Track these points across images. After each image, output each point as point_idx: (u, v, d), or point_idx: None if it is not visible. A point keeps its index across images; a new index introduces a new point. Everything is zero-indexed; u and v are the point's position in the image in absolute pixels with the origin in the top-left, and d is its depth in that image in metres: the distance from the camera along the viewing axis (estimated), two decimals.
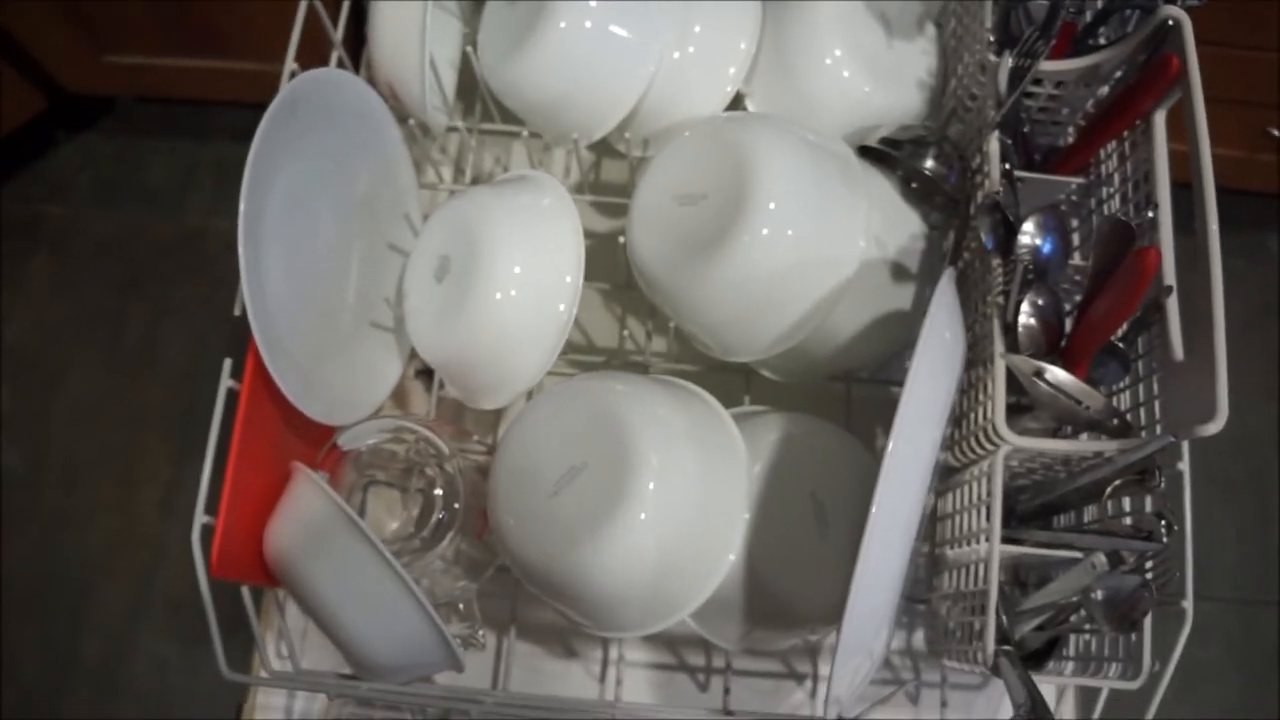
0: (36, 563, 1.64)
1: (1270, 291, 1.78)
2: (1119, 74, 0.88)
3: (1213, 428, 0.69)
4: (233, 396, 0.82)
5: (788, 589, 0.85)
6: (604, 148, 1.08)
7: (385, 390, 0.99)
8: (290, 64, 0.90)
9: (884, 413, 1.00)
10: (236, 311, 0.80)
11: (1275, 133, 1.45)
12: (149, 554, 1.67)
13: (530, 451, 0.85)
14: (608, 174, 1.16)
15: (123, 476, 1.71)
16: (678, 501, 0.80)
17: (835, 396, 1.02)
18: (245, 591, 0.85)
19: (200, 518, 0.78)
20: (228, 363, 0.82)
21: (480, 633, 0.93)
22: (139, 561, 1.66)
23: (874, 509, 0.68)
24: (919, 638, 1.01)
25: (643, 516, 0.78)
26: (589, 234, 0.93)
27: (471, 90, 1.09)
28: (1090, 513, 0.89)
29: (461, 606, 0.92)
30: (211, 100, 1.69)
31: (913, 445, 0.73)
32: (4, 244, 1.83)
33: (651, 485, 0.79)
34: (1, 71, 1.57)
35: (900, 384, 0.71)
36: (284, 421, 0.87)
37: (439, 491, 0.89)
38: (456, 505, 0.88)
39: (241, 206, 0.78)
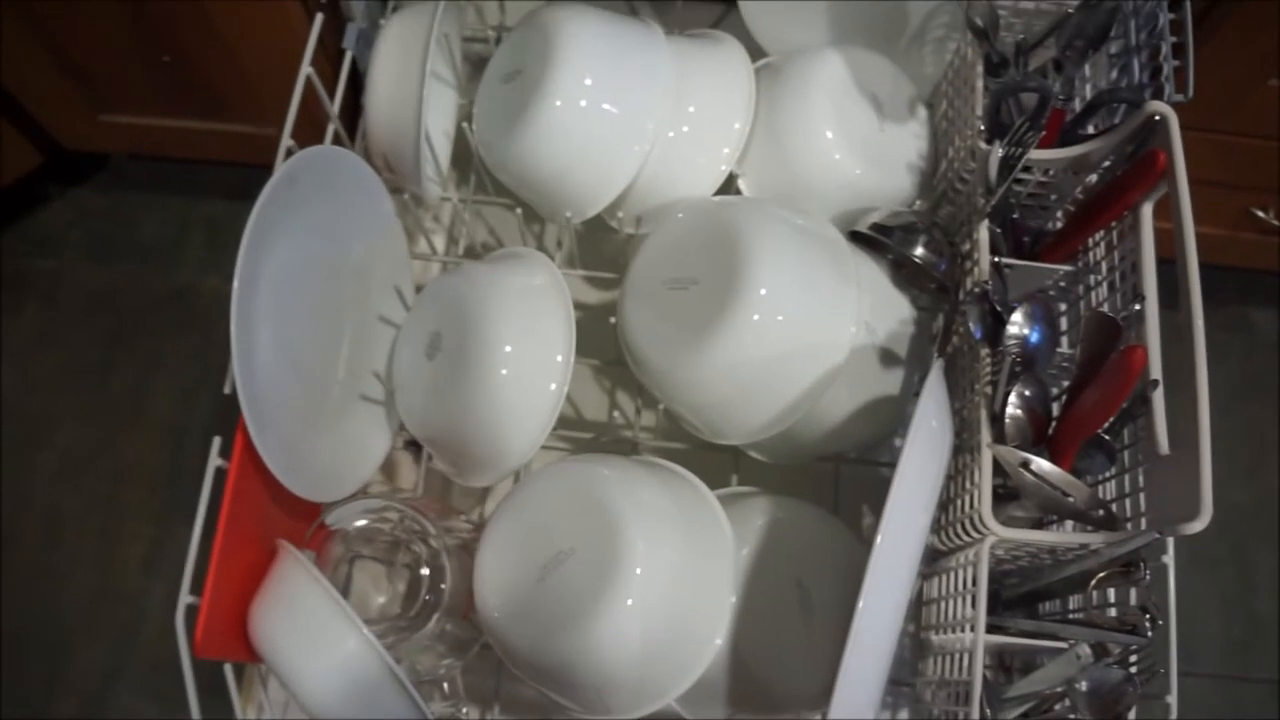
0: (14, 618, 1.63)
1: (1252, 364, 1.80)
2: (1108, 163, 0.89)
3: (1196, 526, 0.69)
4: (221, 474, 0.82)
5: (772, 674, 0.85)
6: (597, 221, 1.09)
7: (373, 465, 0.99)
8: (287, 140, 0.90)
9: (873, 492, 1.01)
10: (226, 389, 0.80)
11: (1261, 214, 1.46)
12: (129, 612, 1.65)
13: (517, 536, 0.85)
14: (601, 247, 1.16)
15: (106, 532, 1.70)
16: (664, 587, 0.80)
17: (824, 476, 1.02)
18: (228, 669, 0.84)
19: (185, 598, 0.78)
20: (216, 441, 0.81)
21: (464, 710, 0.92)
22: (119, 619, 1.65)
23: (861, 603, 0.68)
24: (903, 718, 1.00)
25: (629, 602, 0.78)
26: (580, 308, 0.94)
27: (466, 161, 1.10)
28: (1076, 601, 0.89)
29: (445, 685, 0.92)
30: (205, 159, 1.70)
31: (900, 538, 0.73)
32: None
33: (638, 570, 0.78)
34: (1, 128, 1.57)
35: (890, 464, 0.72)
36: (271, 498, 0.87)
37: (425, 572, 0.89)
38: (443, 586, 0.88)
39: (235, 285, 0.78)
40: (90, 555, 1.69)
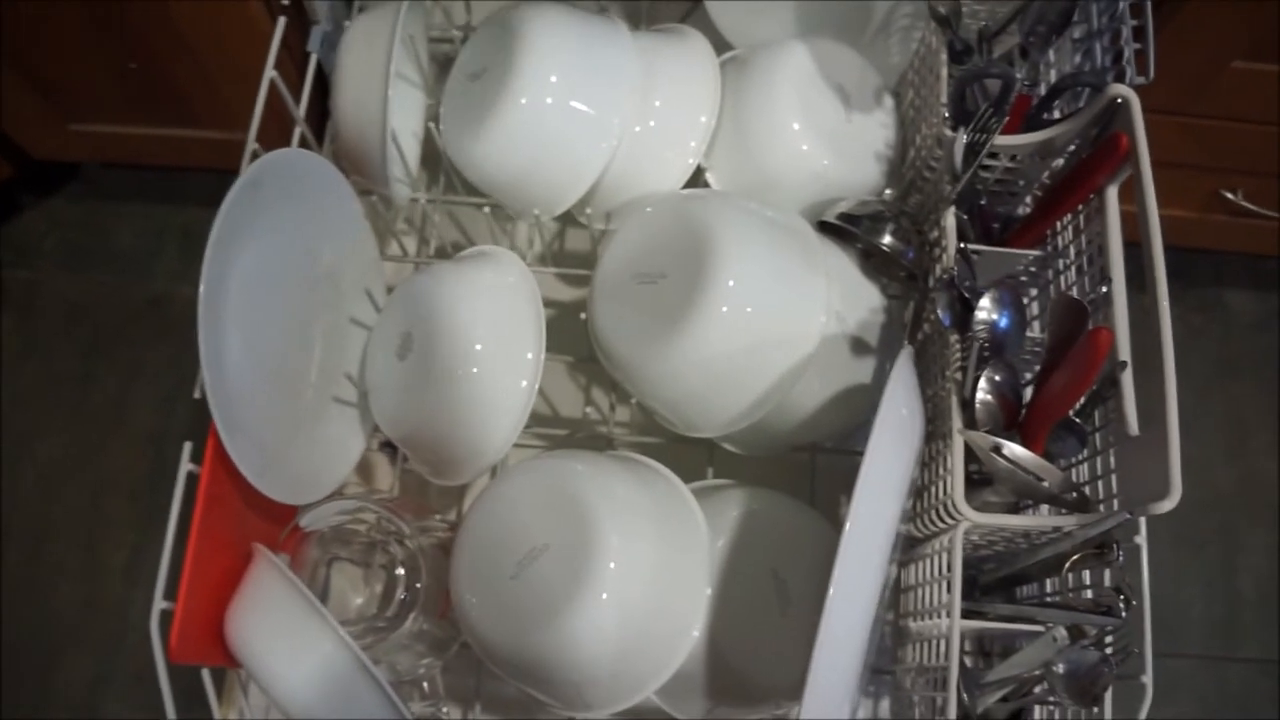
0: (1, 630, 1.62)
1: (1229, 346, 1.80)
2: (1073, 147, 0.90)
3: (1166, 505, 0.69)
4: (193, 479, 0.82)
5: (751, 665, 0.85)
6: (567, 218, 1.09)
7: (347, 467, 0.99)
8: (252, 143, 0.90)
9: (849, 482, 0.99)
10: (196, 394, 0.80)
11: (1230, 195, 1.47)
12: (114, 621, 1.65)
13: (492, 533, 0.85)
14: (571, 244, 1.17)
15: (88, 542, 1.69)
16: (639, 580, 0.80)
17: (800, 467, 1.02)
18: (206, 674, 0.84)
19: (159, 603, 0.78)
20: (187, 446, 0.81)
21: (444, 710, 0.92)
22: (103, 629, 1.64)
23: (832, 590, 0.68)
24: (885, 707, 1.00)
25: (604, 596, 0.78)
26: (553, 305, 0.94)
27: (435, 161, 1.09)
28: (1053, 584, 0.89)
29: (425, 685, 0.92)
30: (178, 166, 1.69)
31: (871, 523, 0.73)
32: None
33: (612, 565, 0.79)
34: None
35: (863, 453, 0.72)
36: (245, 502, 0.86)
37: (400, 571, 0.89)
38: (419, 585, 0.88)
39: (201, 290, 0.78)
40: (74, 566, 1.69)
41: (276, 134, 0.93)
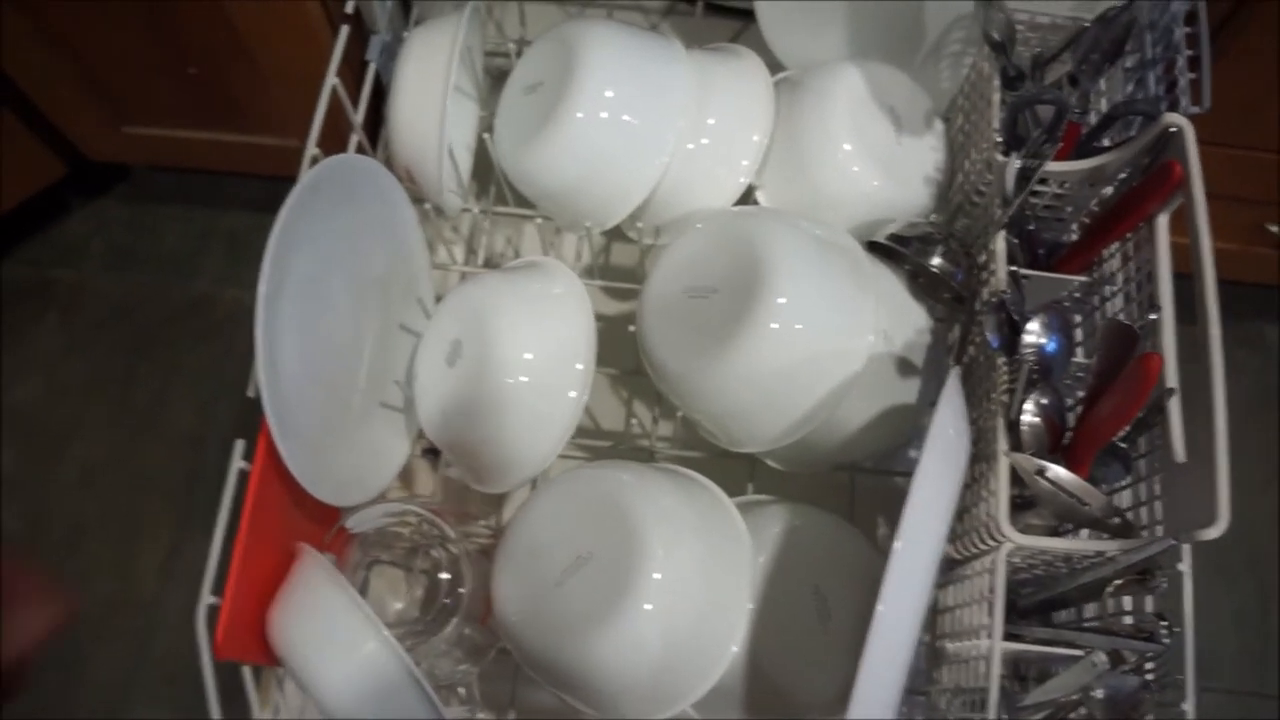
0: None
1: (1268, 379, 1.80)
2: (1123, 175, 0.90)
3: (1213, 533, 0.70)
4: (243, 476, 0.83)
5: (789, 681, 0.85)
6: (616, 232, 1.10)
7: (392, 471, 1.00)
8: (312, 148, 0.92)
9: (888, 503, 1.01)
10: (250, 393, 0.81)
11: (1274, 229, 1.47)
12: (146, 620, 1.66)
13: (536, 540, 0.86)
14: (618, 258, 1.18)
15: (124, 541, 1.71)
16: (682, 592, 0.81)
17: (839, 486, 1.03)
18: (246, 671, 0.85)
19: (206, 598, 0.79)
20: (239, 444, 0.82)
21: (480, 716, 0.93)
22: (136, 628, 1.66)
23: (880, 607, 0.68)
24: None
25: (648, 607, 0.79)
26: (598, 318, 0.94)
27: (486, 172, 1.10)
28: (1092, 609, 0.89)
29: (462, 690, 0.92)
30: (227, 171, 1.71)
31: (919, 544, 0.73)
32: (15, 307, 1.84)
33: (657, 576, 0.79)
34: (26, 140, 1.59)
35: (905, 474, 0.72)
36: (292, 501, 0.87)
37: (445, 576, 0.89)
38: (461, 590, 0.89)
39: (261, 289, 0.79)
40: (108, 563, 1.70)
41: (331, 141, 0.94)
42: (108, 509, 1.73)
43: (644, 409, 1.08)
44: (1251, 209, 1.46)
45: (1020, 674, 0.95)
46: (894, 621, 0.71)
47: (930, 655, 0.97)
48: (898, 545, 0.69)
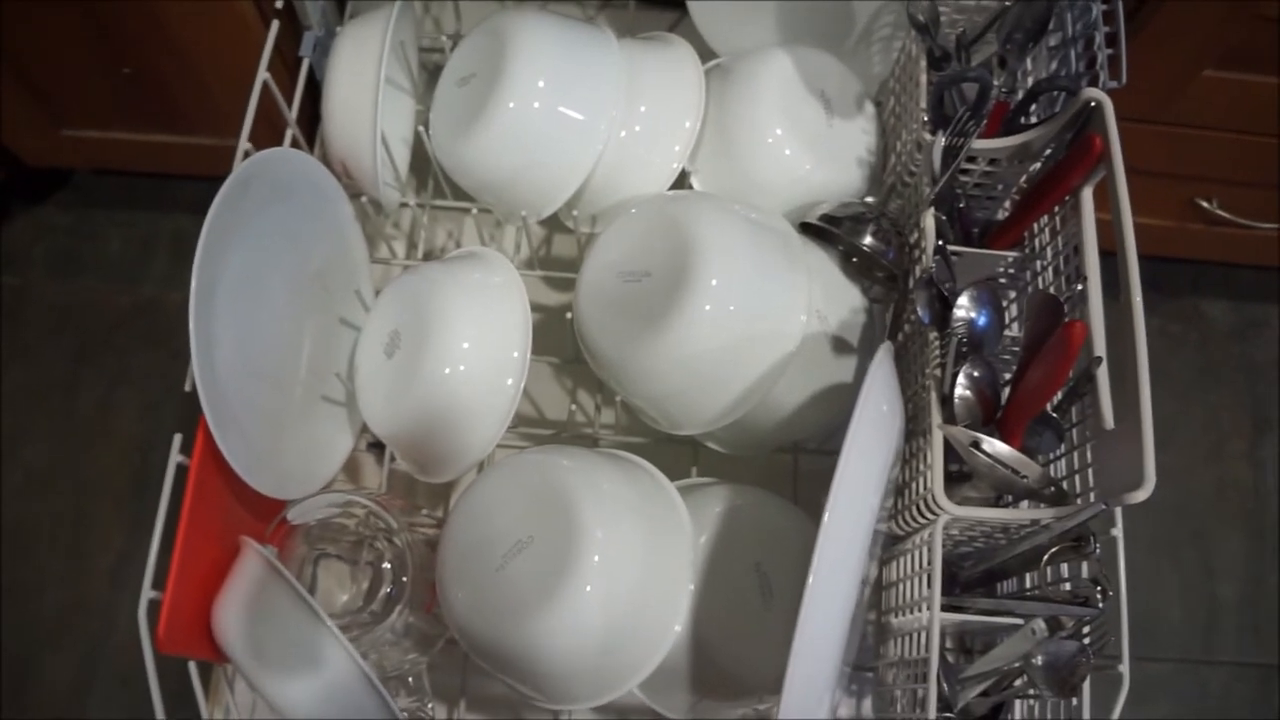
0: None
1: (1206, 355, 1.82)
2: (1049, 151, 0.92)
3: (1141, 495, 0.71)
4: (182, 471, 0.82)
5: (733, 659, 0.86)
6: (554, 223, 1.10)
7: (336, 464, 1.00)
8: (244, 143, 0.91)
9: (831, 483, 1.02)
10: (187, 387, 0.81)
11: (1205, 204, 1.49)
12: (99, 625, 1.65)
13: (478, 526, 0.86)
14: (558, 249, 1.18)
15: (73, 547, 1.69)
16: (623, 574, 0.81)
17: (783, 467, 1.04)
18: (193, 667, 0.85)
19: (147, 592, 0.78)
20: (177, 438, 0.82)
21: (429, 705, 0.93)
22: (88, 633, 1.64)
23: (810, 579, 0.69)
24: (868, 706, 1.02)
25: (588, 589, 0.79)
26: (540, 308, 0.95)
27: (424, 166, 1.11)
28: (1032, 579, 0.91)
29: (411, 680, 0.92)
30: (169, 173, 1.70)
31: (849, 516, 0.74)
32: None
33: (596, 558, 0.80)
34: None
35: (842, 445, 0.73)
36: (234, 495, 0.87)
37: (387, 565, 0.90)
38: (405, 579, 0.89)
39: (193, 284, 0.79)
40: (59, 570, 1.69)
41: (269, 139, 0.94)
42: (55, 515, 1.72)
43: (587, 397, 1.08)
44: (1182, 184, 1.48)
45: (966, 647, 0.97)
46: (826, 593, 0.72)
47: (877, 632, 0.98)
48: (825, 518, 0.70)
